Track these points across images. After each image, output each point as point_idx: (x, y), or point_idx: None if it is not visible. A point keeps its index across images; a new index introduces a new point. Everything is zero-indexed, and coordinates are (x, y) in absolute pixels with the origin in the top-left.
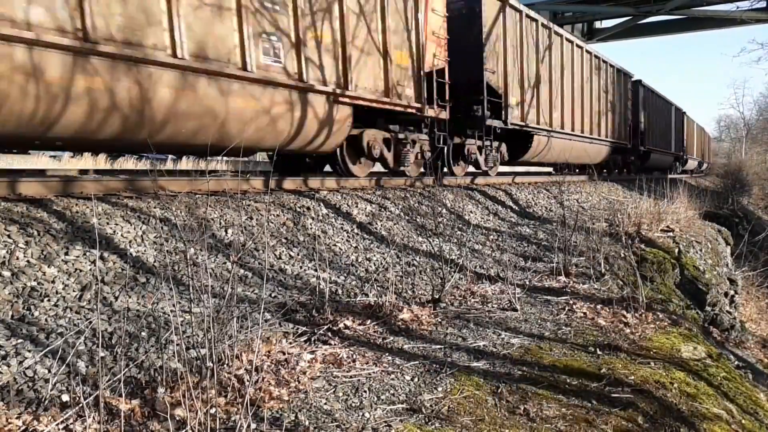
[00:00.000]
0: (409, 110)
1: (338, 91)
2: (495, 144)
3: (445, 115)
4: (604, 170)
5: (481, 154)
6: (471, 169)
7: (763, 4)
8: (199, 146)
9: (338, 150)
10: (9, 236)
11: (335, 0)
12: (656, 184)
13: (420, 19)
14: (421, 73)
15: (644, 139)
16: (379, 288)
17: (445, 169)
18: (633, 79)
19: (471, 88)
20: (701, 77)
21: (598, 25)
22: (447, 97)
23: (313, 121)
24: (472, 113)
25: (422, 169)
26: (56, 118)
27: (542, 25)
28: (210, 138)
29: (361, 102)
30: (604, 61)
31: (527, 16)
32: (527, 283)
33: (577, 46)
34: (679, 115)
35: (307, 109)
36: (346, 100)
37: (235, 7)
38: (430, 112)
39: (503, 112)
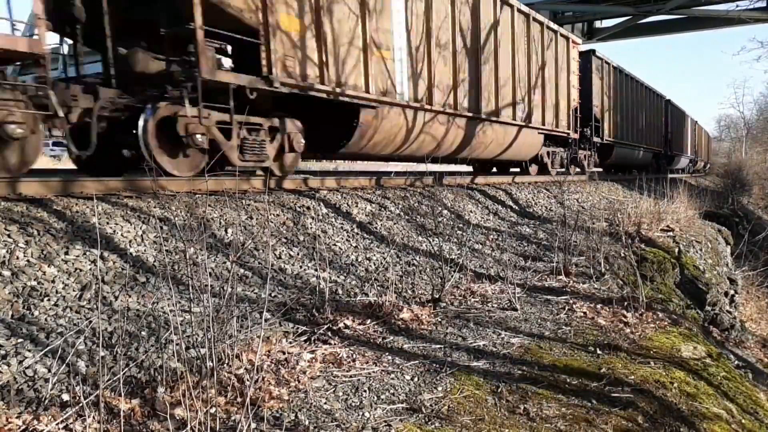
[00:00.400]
0: (564, 134)
1: (541, 126)
2: (593, 153)
3: (576, 136)
4: (644, 170)
5: (585, 160)
6: (578, 170)
7: (762, 4)
8: (487, 159)
9: (535, 156)
10: (9, 236)
11: (539, 86)
12: (656, 184)
13: (571, 79)
14: (569, 110)
15: (671, 146)
16: (379, 287)
17: (563, 169)
18: (665, 99)
19: (583, 116)
20: (701, 77)
21: (597, 24)
22: (578, 125)
23: (528, 142)
24: (584, 133)
25: (560, 168)
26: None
27: (620, 71)
28: (502, 155)
29: (546, 132)
30: (651, 90)
31: (614, 67)
32: (527, 282)
33: (637, 81)
34: (693, 124)
35: (527, 136)
36: (543, 131)
37: (524, 101)
38: (573, 135)
39: (600, 132)
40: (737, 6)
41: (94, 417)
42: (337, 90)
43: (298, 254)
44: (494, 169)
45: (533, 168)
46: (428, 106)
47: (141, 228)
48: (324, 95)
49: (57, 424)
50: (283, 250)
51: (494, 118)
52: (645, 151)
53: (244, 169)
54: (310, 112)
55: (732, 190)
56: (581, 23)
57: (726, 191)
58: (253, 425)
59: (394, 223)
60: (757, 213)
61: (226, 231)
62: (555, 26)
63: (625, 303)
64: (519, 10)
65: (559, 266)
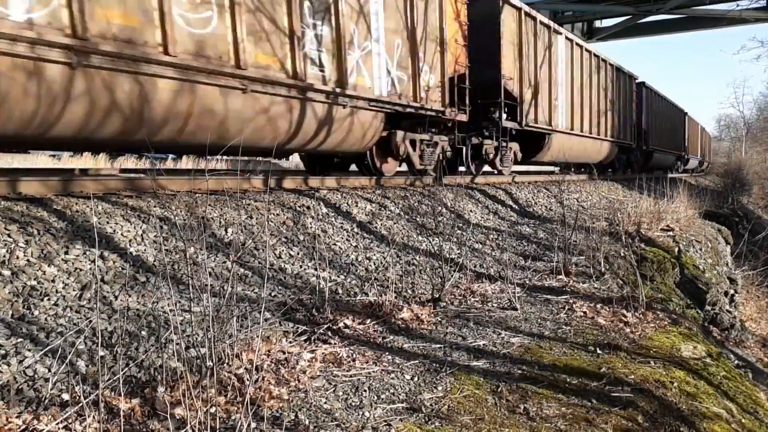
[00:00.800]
0: (629, 144)
1: (618, 140)
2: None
3: (635, 146)
4: (669, 170)
5: (636, 163)
6: (629, 170)
7: (762, 3)
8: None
9: (610, 161)
10: (9, 235)
11: (618, 111)
12: (656, 183)
13: (633, 105)
14: (631, 127)
15: (687, 150)
16: (379, 287)
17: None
18: (684, 112)
19: (634, 128)
20: (702, 76)
21: (597, 24)
22: (636, 137)
23: (611, 151)
24: (639, 143)
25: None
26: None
27: (657, 93)
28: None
29: (620, 143)
30: (674, 105)
31: (655, 92)
32: (527, 282)
33: (666, 99)
34: (701, 130)
35: (611, 147)
36: (617, 143)
37: (611, 122)
38: (633, 145)
39: (647, 142)
40: (737, 6)
41: (94, 417)
42: (542, 126)
43: (298, 254)
44: (573, 169)
45: (608, 169)
46: (572, 131)
47: (141, 227)
48: (533, 129)
49: (57, 423)
50: (283, 250)
51: (597, 136)
52: (671, 155)
53: (499, 169)
54: (520, 138)
55: (732, 189)
56: (581, 23)
57: (726, 191)
58: (253, 425)
59: (394, 223)
60: (757, 212)
61: (226, 230)
62: (626, 69)
63: (625, 302)
64: (618, 69)
65: (559, 266)
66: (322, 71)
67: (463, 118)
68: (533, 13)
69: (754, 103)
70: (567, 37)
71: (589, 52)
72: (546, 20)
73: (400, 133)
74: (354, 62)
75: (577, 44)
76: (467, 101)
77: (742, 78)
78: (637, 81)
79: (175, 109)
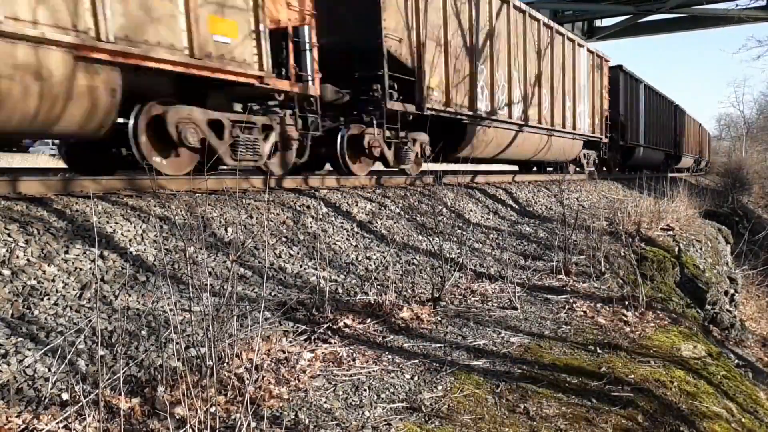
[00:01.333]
0: (669, 151)
1: (665, 149)
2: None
3: (674, 152)
4: (687, 169)
5: (689, 166)
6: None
7: (762, 3)
8: None
9: (660, 163)
10: (9, 235)
11: (686, 134)
12: (656, 183)
13: (672, 121)
14: (672, 135)
15: (701, 154)
16: (379, 287)
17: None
18: (699, 123)
19: (672, 139)
20: (702, 75)
21: (598, 23)
22: (680, 150)
23: (662, 155)
24: (695, 158)
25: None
26: None
27: (695, 121)
28: None
29: (665, 150)
30: (696, 121)
31: (697, 122)
32: (527, 281)
33: (693, 119)
34: (708, 135)
35: (660, 152)
36: (665, 150)
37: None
38: (672, 152)
39: (681, 148)
40: (737, 5)
41: (94, 416)
42: (633, 142)
43: (298, 253)
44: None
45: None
46: (647, 145)
47: (141, 227)
48: (631, 144)
49: (57, 423)
50: (283, 249)
51: (660, 147)
52: (692, 158)
53: (612, 170)
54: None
55: (732, 189)
56: (581, 22)
57: (726, 190)
58: (253, 424)
59: (394, 222)
60: (757, 212)
61: (226, 230)
62: (671, 98)
63: (625, 302)
64: (667, 99)
65: (559, 265)
66: (569, 122)
67: (606, 140)
68: (631, 72)
69: (755, 102)
70: (645, 85)
71: (650, 89)
72: (636, 75)
73: (584, 151)
74: (578, 115)
75: (648, 87)
76: (607, 129)
77: (742, 77)
78: (674, 105)
79: (527, 144)
